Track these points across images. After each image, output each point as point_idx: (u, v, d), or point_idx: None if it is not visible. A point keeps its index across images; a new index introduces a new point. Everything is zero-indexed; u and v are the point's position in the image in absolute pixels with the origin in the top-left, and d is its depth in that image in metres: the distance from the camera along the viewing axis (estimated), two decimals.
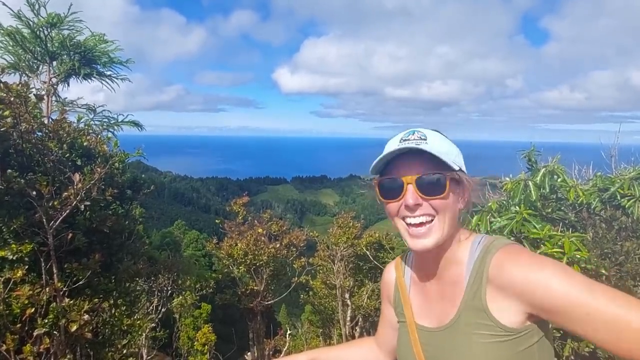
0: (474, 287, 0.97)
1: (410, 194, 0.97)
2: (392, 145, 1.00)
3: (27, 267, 2.70)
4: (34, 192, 2.70)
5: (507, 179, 3.49)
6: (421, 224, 0.98)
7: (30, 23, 4.68)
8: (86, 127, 3.77)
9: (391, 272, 1.25)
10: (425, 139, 0.98)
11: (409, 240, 1.00)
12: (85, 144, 3.44)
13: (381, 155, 1.00)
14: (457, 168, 0.98)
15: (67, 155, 3.16)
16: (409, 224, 0.99)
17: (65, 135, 3.14)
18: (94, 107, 5.12)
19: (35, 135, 2.98)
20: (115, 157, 3.45)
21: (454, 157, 1.00)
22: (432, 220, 0.98)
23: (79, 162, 3.26)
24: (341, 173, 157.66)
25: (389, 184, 1.01)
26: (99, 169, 2.94)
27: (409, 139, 0.99)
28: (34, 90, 2.86)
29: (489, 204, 3.51)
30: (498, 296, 0.94)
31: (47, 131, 3.08)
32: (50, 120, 3.91)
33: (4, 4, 4.72)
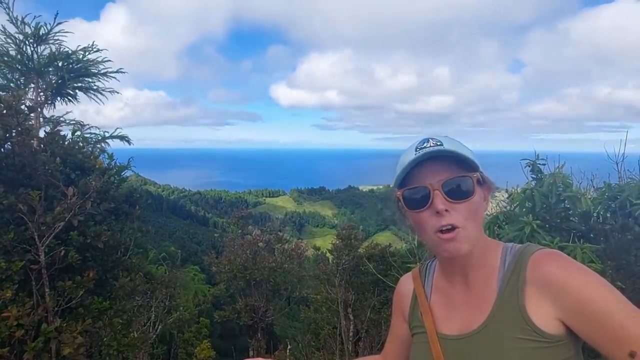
0: (510, 288, 0.94)
1: (439, 199, 0.93)
2: (409, 156, 0.96)
3: (16, 286, 2.58)
4: (25, 207, 2.60)
5: (514, 188, 3.40)
6: (453, 229, 0.93)
7: (16, 39, 4.51)
8: (81, 140, 3.66)
9: (407, 284, 1.20)
10: (441, 144, 0.94)
11: (441, 246, 0.95)
12: (80, 156, 3.34)
13: (402, 167, 0.97)
14: (479, 169, 0.96)
15: (61, 168, 3.06)
16: (439, 230, 0.94)
17: (58, 148, 3.04)
18: (82, 123, 4.97)
19: (27, 149, 2.87)
20: (111, 171, 3.35)
21: (473, 158, 0.97)
22: (463, 224, 0.94)
23: (72, 176, 3.15)
24: (339, 184, 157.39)
25: (414, 194, 0.97)
26: (93, 183, 2.83)
27: (424, 147, 0.95)
28: (25, 102, 2.77)
29: (495, 214, 3.42)
30: (535, 296, 0.91)
31: (39, 144, 2.98)
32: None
33: None
